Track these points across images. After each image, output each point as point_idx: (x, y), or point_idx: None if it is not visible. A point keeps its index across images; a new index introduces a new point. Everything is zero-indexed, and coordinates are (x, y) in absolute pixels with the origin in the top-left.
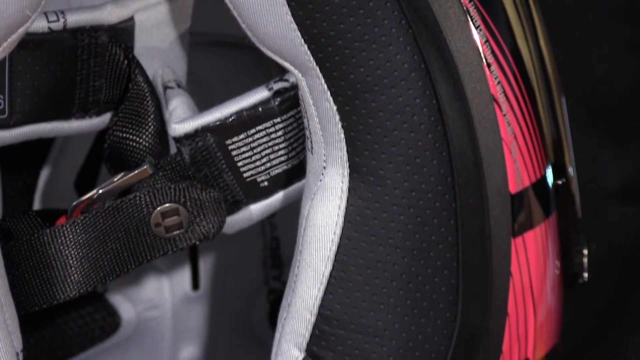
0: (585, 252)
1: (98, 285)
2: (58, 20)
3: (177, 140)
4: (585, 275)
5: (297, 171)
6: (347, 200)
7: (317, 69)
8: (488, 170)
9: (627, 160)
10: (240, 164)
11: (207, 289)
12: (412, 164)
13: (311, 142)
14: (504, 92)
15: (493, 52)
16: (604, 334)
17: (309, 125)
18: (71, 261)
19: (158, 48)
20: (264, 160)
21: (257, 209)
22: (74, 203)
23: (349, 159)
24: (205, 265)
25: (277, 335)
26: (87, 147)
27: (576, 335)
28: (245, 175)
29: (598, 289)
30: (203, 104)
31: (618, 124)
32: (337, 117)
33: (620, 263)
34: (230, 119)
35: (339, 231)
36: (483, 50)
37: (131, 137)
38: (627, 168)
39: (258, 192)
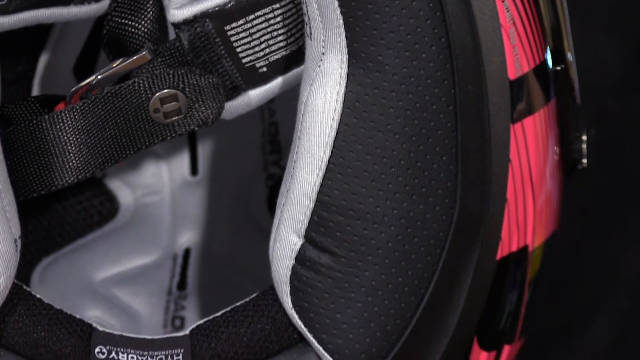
0: (585, 138)
1: (96, 171)
2: None
3: (176, 26)
4: (585, 161)
5: (296, 57)
6: (346, 86)
7: None
8: (487, 56)
9: (623, 51)
10: (239, 49)
11: (206, 174)
12: (411, 49)
13: (310, 28)
14: None
15: None
16: (600, 223)
17: (307, 11)
18: (70, 147)
19: None
20: (263, 46)
21: (255, 95)
22: (73, 89)
23: (348, 45)
24: (204, 150)
25: (275, 221)
26: (86, 33)
27: (574, 223)
28: (244, 61)
29: (594, 179)
30: None
31: (613, 13)
32: (336, 3)
33: (616, 153)
34: (229, 5)
35: (337, 117)
36: None
37: (130, 22)
38: (622, 59)
39: (257, 78)
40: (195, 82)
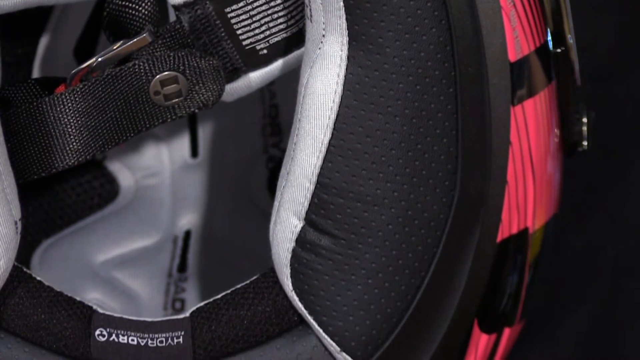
0: (585, 120)
1: (97, 153)
2: None
3: (177, 8)
4: (585, 143)
5: (296, 39)
6: (346, 69)
7: None
8: (487, 38)
9: (608, 38)
10: (239, 32)
11: (206, 156)
12: (411, 31)
13: (310, 10)
14: None
15: None
16: (581, 208)
17: None
18: (70, 129)
19: None
20: (263, 28)
21: (256, 77)
22: (73, 71)
23: (348, 27)
24: (204, 132)
25: (275, 203)
26: (87, 15)
27: (569, 201)
28: (244, 43)
29: (577, 165)
30: None
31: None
32: None
33: (600, 139)
34: None
35: (338, 99)
36: None
37: (130, 5)
38: (606, 46)
39: (257, 60)
40: (195, 64)
